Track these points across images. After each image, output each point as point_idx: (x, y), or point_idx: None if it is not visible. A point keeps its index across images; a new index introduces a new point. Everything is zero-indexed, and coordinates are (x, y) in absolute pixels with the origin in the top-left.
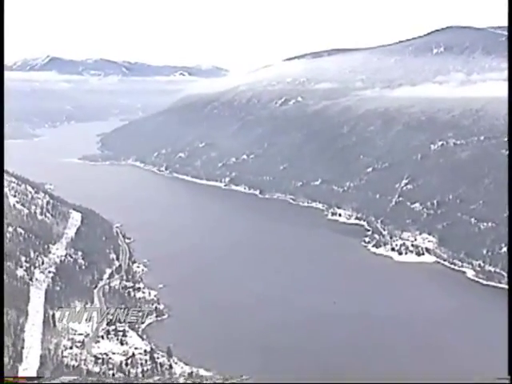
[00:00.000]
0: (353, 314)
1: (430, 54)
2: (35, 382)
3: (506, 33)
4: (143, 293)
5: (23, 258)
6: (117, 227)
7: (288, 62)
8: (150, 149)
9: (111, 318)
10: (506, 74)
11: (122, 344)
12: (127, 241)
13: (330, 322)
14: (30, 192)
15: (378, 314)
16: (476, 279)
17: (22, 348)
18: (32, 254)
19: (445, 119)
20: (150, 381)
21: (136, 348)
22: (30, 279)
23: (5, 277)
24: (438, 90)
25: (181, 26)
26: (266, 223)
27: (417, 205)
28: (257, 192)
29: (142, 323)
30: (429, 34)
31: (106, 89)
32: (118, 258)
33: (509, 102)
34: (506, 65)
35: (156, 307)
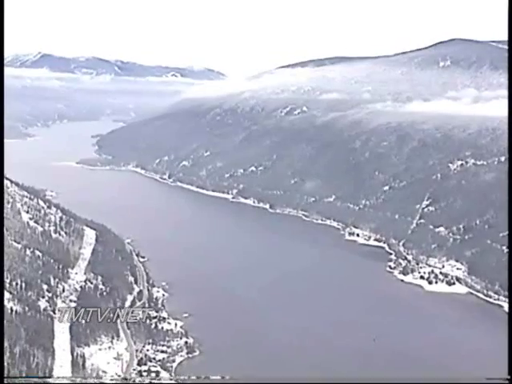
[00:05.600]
0: (395, 353)
1: (437, 67)
2: (35, 382)
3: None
4: (169, 324)
5: (45, 287)
6: (128, 243)
7: (291, 70)
8: (151, 155)
9: (141, 355)
10: None
11: None
12: (141, 259)
13: (375, 364)
14: (43, 207)
15: (420, 355)
16: None
17: None
18: (52, 281)
19: (461, 137)
20: (150, 381)
21: None
22: (53, 311)
23: (26, 309)
24: (452, 106)
25: (174, 26)
26: (283, 242)
27: (441, 229)
28: (267, 206)
29: (173, 361)
30: (433, 45)
31: (98, 88)
32: (136, 282)
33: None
34: None
35: (186, 342)
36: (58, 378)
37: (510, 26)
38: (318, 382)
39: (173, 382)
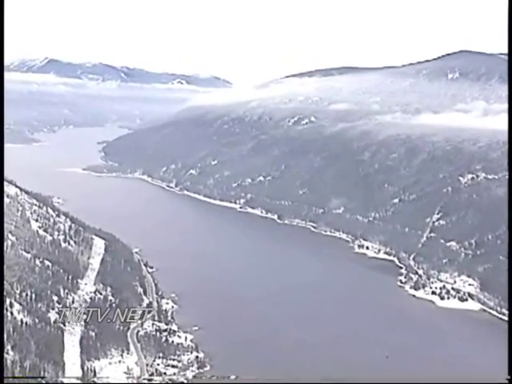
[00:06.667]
0: (409, 372)
1: (445, 79)
2: (35, 382)
3: None
4: (179, 337)
5: (55, 298)
6: (136, 253)
7: (299, 79)
8: (157, 162)
9: (151, 370)
10: None
11: None
12: (150, 270)
13: (385, 380)
14: (52, 216)
15: (438, 376)
16: None
17: None
18: (62, 292)
19: (471, 150)
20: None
21: None
22: (63, 323)
23: (36, 321)
24: (461, 118)
25: (180, 33)
26: (292, 253)
27: (453, 243)
28: (275, 217)
29: (184, 376)
30: (441, 57)
31: (104, 94)
32: (145, 293)
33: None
34: None
35: (197, 356)
36: (64, 377)
37: (510, 39)
38: None
39: (176, 382)
